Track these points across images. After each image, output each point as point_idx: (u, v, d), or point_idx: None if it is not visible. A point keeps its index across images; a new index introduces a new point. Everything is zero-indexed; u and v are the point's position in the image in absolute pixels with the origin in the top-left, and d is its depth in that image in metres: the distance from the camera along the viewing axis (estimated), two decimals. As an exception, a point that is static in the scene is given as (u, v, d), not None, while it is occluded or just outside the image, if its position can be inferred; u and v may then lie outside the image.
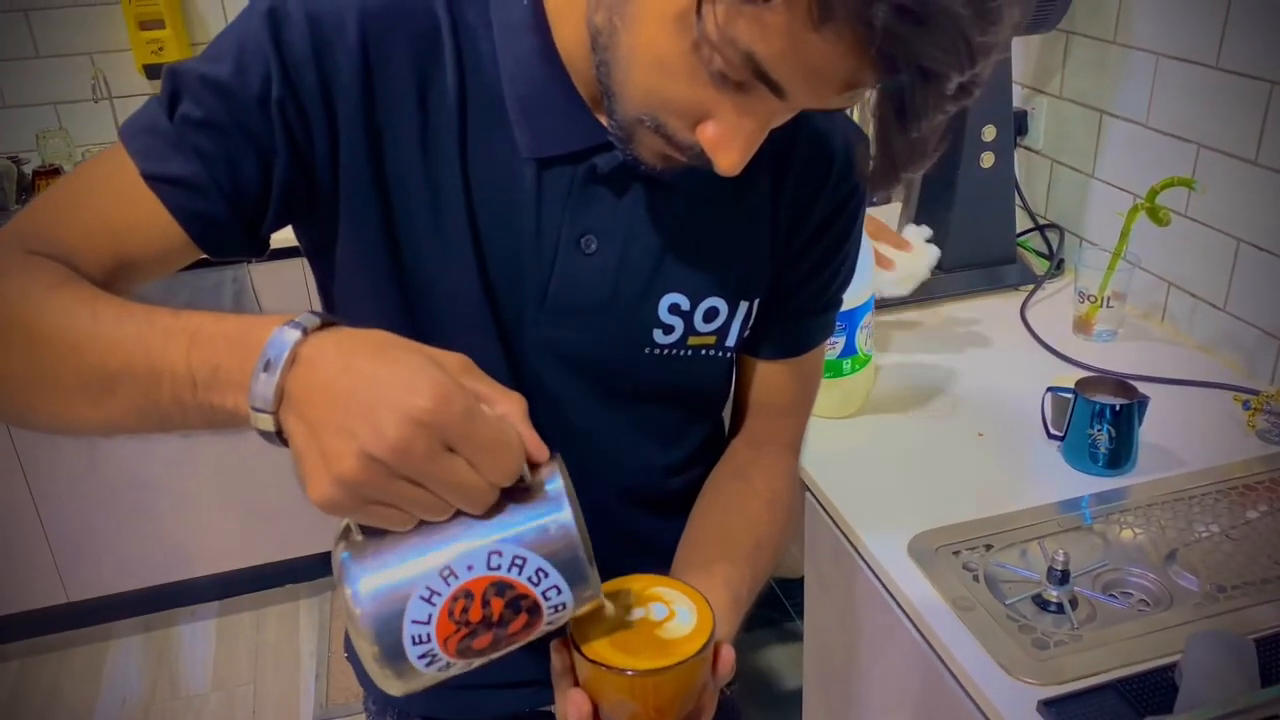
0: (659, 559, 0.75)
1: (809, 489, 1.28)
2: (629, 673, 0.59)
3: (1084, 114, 1.71)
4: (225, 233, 0.66)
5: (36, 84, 2.44)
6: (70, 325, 0.56)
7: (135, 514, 2.31)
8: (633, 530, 0.83)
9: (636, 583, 0.65)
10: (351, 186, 0.68)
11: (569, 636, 0.62)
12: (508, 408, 0.54)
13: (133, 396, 0.54)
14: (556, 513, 0.54)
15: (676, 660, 0.60)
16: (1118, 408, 1.20)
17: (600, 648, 0.61)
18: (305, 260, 0.77)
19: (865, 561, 1.16)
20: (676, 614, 0.63)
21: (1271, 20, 1.33)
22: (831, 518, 1.23)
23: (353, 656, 0.97)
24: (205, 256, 0.67)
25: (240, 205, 0.66)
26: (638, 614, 0.63)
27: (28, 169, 2.41)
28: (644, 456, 0.84)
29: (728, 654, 0.65)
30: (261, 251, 0.69)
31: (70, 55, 2.43)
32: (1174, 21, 1.49)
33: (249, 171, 0.65)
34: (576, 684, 0.63)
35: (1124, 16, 1.59)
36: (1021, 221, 1.80)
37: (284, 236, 0.72)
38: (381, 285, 0.71)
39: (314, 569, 2.57)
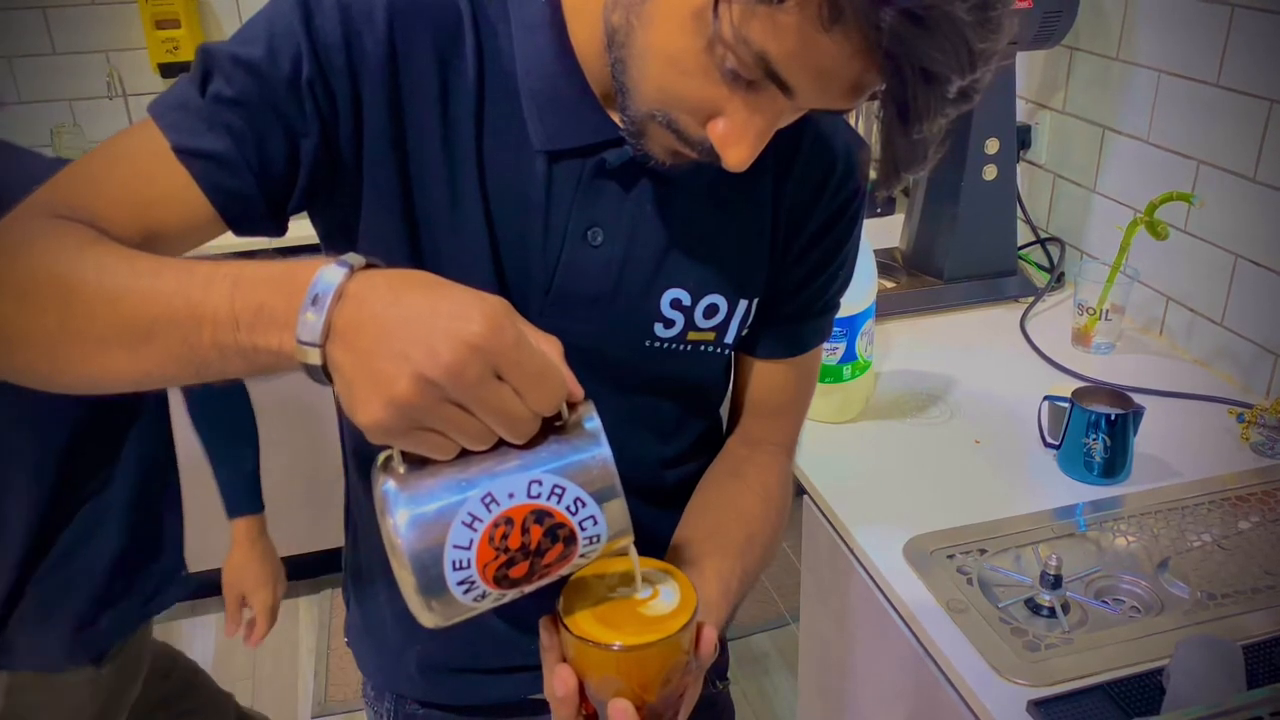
0: (654, 549, 0.75)
1: (807, 492, 1.30)
2: (614, 647, 0.60)
3: (1086, 129, 1.73)
4: (251, 209, 0.67)
5: (52, 81, 2.46)
6: (106, 278, 0.56)
7: (138, 508, 2.32)
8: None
9: (622, 563, 0.66)
10: (374, 169, 0.70)
11: (556, 613, 0.63)
12: (548, 347, 0.56)
13: (171, 343, 0.54)
14: (597, 448, 0.57)
15: (660, 636, 0.61)
16: (1113, 417, 1.21)
17: (586, 624, 0.62)
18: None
19: (861, 564, 1.18)
20: (660, 593, 0.65)
21: (1271, 40, 1.35)
22: (828, 520, 1.25)
23: (353, 642, 0.98)
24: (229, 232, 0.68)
25: (267, 183, 0.67)
26: (623, 593, 0.65)
27: (41, 164, 2.44)
28: (641, 448, 0.85)
29: (710, 635, 0.66)
30: (282, 231, 0.70)
31: (86, 53, 2.45)
32: (1176, 39, 1.51)
33: (277, 150, 0.67)
34: (564, 661, 0.64)
35: (1127, 34, 1.61)
36: (1023, 234, 1.82)
37: (293, 236, 0.72)
38: (399, 267, 0.72)
39: (314, 566, 2.58)
